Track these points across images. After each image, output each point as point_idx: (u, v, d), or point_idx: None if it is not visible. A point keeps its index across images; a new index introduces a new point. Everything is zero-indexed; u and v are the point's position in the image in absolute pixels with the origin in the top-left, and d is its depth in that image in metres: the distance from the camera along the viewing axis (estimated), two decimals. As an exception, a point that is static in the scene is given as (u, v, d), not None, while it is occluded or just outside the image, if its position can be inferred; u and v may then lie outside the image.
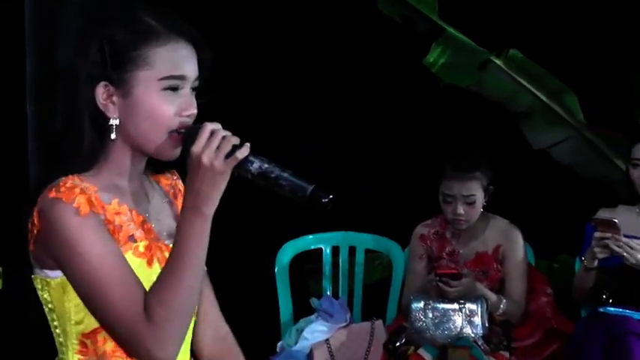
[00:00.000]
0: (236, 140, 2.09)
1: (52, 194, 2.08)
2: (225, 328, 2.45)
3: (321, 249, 5.15)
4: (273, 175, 2.10)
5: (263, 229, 5.68)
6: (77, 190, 2.09)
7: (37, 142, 4.44)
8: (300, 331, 4.84)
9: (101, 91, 2.13)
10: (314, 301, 4.96)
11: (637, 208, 4.51)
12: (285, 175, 2.10)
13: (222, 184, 2.08)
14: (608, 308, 4.32)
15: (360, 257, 5.13)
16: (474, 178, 4.54)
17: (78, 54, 2.16)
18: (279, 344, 4.92)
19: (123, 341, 2.11)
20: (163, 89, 2.13)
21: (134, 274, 2.11)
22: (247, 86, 5.51)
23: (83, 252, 2.06)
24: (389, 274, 5.07)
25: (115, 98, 2.13)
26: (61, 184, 2.10)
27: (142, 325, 2.06)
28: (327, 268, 5.12)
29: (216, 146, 2.07)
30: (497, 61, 5.44)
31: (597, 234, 4.25)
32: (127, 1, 2.17)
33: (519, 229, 4.68)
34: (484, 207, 4.61)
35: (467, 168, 4.56)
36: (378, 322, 4.77)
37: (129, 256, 2.14)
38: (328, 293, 5.07)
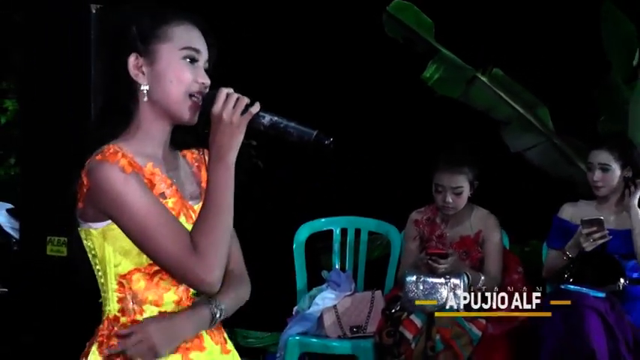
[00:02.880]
0: (248, 100, 2.13)
1: (99, 157, 2.10)
2: (244, 273, 2.36)
3: (331, 230, 5.15)
4: (282, 125, 2.11)
5: (284, 213, 5.71)
6: (120, 154, 2.11)
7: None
8: (312, 298, 4.84)
9: (132, 60, 2.18)
10: (324, 273, 4.97)
11: (595, 203, 4.53)
12: (292, 124, 2.12)
13: (240, 136, 2.12)
14: (569, 286, 4.31)
15: (364, 237, 5.12)
16: (462, 172, 4.55)
17: (110, 35, 2.23)
18: (294, 308, 4.92)
19: (175, 272, 2.13)
20: (183, 58, 2.18)
21: (176, 218, 2.14)
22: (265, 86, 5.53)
23: (131, 202, 2.08)
24: (388, 252, 5.06)
25: (144, 68, 2.18)
26: (105, 149, 2.12)
27: (190, 254, 2.08)
28: (336, 246, 5.12)
29: (233, 105, 2.11)
30: (482, 78, 5.42)
31: (585, 231, 4.26)
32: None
33: (497, 217, 4.70)
34: (469, 199, 4.65)
35: (456, 163, 4.56)
36: (378, 292, 4.77)
37: None
38: (337, 267, 5.08)
